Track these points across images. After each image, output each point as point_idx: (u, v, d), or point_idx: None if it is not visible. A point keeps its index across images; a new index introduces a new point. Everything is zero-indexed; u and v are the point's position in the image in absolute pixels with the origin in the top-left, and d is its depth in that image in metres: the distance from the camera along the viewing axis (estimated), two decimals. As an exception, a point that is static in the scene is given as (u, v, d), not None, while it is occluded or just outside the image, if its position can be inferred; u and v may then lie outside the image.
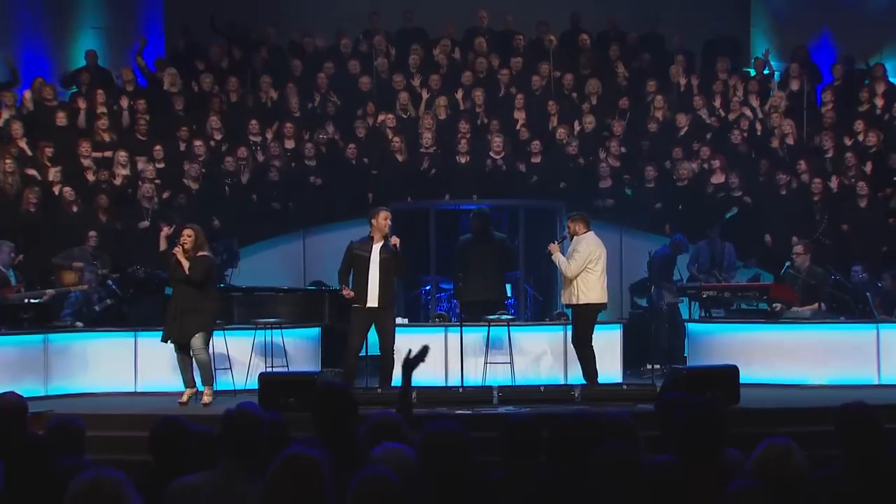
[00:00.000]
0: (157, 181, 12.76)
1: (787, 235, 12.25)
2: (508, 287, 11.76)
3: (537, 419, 4.27)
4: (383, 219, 9.67)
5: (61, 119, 13.32)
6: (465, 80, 14.56)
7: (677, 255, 12.21)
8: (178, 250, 9.56)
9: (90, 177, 12.78)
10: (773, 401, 9.43)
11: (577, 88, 14.57)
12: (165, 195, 12.80)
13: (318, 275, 12.86)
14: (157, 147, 13.26)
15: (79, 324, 11.02)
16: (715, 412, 4.07)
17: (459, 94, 14.20)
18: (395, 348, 9.54)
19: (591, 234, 9.88)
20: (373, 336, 10.13)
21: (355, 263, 9.68)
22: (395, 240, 9.52)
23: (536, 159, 13.54)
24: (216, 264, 10.29)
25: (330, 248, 13.15)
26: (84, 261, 11.51)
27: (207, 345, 9.64)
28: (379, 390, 9.50)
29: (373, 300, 9.57)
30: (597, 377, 9.81)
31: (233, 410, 4.33)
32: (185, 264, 9.48)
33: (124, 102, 13.96)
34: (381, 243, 9.63)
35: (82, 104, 13.81)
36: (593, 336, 9.91)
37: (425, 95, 14.26)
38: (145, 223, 12.01)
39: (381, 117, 14.12)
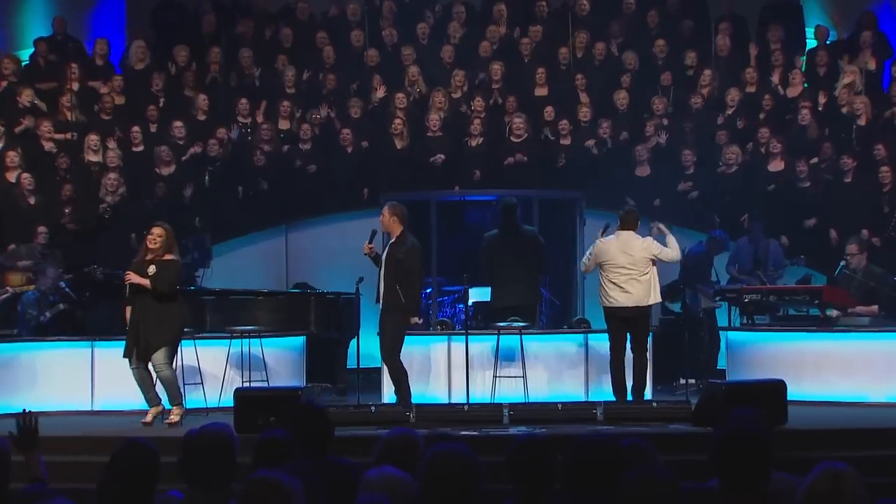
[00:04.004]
0: (117, 169, 12.73)
1: (855, 230, 12.12)
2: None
3: (552, 440, 4.26)
4: (381, 216, 9.90)
5: (27, 98, 13.28)
6: (483, 52, 14.52)
7: (715, 255, 12.18)
8: (130, 276, 9.47)
9: (61, 162, 12.73)
10: (825, 421, 9.40)
11: (611, 61, 14.49)
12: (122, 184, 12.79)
13: (303, 276, 12.86)
14: (136, 128, 13.25)
15: (14, 331, 11.02)
16: (757, 429, 4.03)
17: (458, 78, 14.16)
18: (395, 360, 9.77)
19: None
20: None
21: None
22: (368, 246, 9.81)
23: (566, 141, 13.50)
24: (183, 268, 10.26)
25: (316, 245, 13.18)
26: (32, 259, 11.51)
27: (171, 360, 9.60)
28: (373, 408, 9.51)
29: (381, 301, 9.84)
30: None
31: (195, 433, 4.33)
32: (145, 282, 9.44)
33: (104, 88, 13.89)
34: (393, 240, 9.87)
35: (44, 85, 13.81)
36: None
37: (415, 76, 14.20)
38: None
39: (380, 92, 14.08)
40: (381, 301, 9.85)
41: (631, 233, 10.09)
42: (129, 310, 9.61)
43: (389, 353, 9.79)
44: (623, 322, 10.06)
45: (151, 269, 9.45)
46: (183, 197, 12.81)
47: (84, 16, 15.57)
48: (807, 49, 14.76)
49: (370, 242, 9.85)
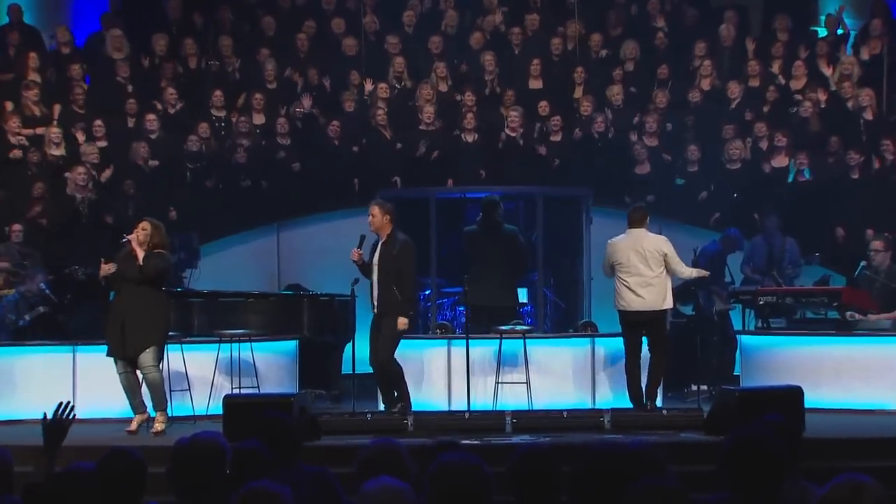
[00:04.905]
0: (91, 163, 12.70)
1: (862, 228, 12.20)
2: (523, 292, 11.77)
3: (556, 449, 4.26)
4: (370, 217, 9.91)
5: None
6: (475, 43, 14.53)
7: (729, 254, 12.19)
8: (133, 237, 9.52)
9: (32, 157, 12.72)
10: (845, 429, 9.41)
11: (608, 52, 14.51)
12: (105, 177, 12.79)
13: (295, 277, 12.86)
14: (98, 122, 13.24)
15: None
16: (766, 436, 4.03)
17: (440, 70, 14.18)
18: (391, 360, 9.82)
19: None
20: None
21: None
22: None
23: (557, 137, 13.53)
24: (172, 265, 10.30)
25: (309, 244, 13.18)
26: (10, 259, 11.51)
27: (160, 362, 9.63)
28: (369, 416, 9.52)
29: (375, 305, 9.87)
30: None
31: (185, 441, 4.33)
32: (140, 254, 9.46)
33: (75, 72, 13.85)
34: (384, 240, 9.86)
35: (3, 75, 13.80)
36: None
37: (401, 69, 14.22)
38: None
39: (367, 86, 14.12)
40: (376, 304, 9.87)
41: (641, 230, 10.11)
42: (107, 266, 9.60)
43: (387, 357, 9.82)
44: (638, 326, 10.12)
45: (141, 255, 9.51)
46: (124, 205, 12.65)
47: (65, 4, 15.56)
48: (818, 39, 14.77)
49: (360, 248, 9.84)
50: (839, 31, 14.84)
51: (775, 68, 14.23)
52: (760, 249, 12.33)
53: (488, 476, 3.93)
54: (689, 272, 10.22)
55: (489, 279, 10.95)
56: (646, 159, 13.29)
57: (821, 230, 12.79)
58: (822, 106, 13.66)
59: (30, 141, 13.06)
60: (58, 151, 12.94)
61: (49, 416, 4.86)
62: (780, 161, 13.07)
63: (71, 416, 4.86)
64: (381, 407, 10.22)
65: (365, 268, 9.90)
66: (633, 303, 10.05)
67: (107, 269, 9.60)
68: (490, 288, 10.96)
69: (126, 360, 9.56)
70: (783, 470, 4.05)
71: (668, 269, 10.04)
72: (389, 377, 9.92)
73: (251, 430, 5.00)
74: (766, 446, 4.03)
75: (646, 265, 10.00)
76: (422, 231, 12.05)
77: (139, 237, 9.52)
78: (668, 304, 10.13)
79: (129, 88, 13.88)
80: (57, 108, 13.61)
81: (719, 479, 4.07)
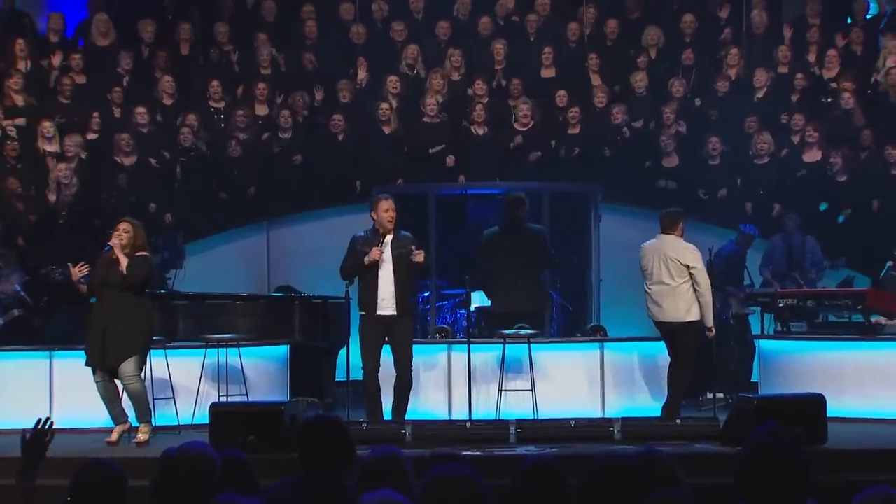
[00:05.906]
0: (75, 159, 12.70)
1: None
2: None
3: (563, 461, 4.25)
4: (383, 211, 9.78)
5: None
6: (483, 30, 14.51)
7: (747, 252, 12.17)
8: (115, 242, 9.49)
9: (11, 150, 12.73)
10: (869, 440, 9.41)
11: (626, 38, 14.49)
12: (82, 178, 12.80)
13: (286, 278, 12.86)
14: (96, 115, 13.22)
15: None
16: (789, 448, 4.03)
17: (454, 58, 14.16)
18: (410, 368, 9.79)
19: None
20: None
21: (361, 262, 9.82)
22: (419, 256, 9.66)
23: (575, 130, 13.48)
24: (156, 268, 10.28)
25: (300, 243, 13.17)
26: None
27: (141, 371, 9.61)
28: (364, 425, 9.49)
29: (386, 307, 9.72)
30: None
31: (173, 452, 4.32)
32: (124, 261, 9.44)
33: (75, 62, 13.83)
34: (391, 236, 9.78)
35: None
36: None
37: (414, 57, 14.20)
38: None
39: (361, 73, 14.10)
40: (394, 305, 9.69)
41: (670, 236, 10.07)
42: (76, 270, 9.56)
43: (409, 364, 9.80)
44: (664, 337, 10.19)
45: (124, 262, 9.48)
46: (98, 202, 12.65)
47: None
48: (851, 25, 14.73)
49: (381, 247, 9.78)
50: (868, 16, 14.72)
51: (811, 57, 14.07)
52: (779, 250, 12.29)
53: (482, 489, 3.93)
54: (707, 295, 10.02)
55: (518, 283, 10.88)
56: (673, 151, 13.21)
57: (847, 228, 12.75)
58: (866, 94, 13.57)
59: (13, 133, 13.04)
60: (52, 147, 12.88)
61: (28, 434, 4.79)
62: (813, 155, 12.98)
63: (50, 433, 4.81)
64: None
65: (363, 266, 9.79)
66: (654, 313, 10.11)
67: (77, 272, 9.56)
68: (521, 293, 10.87)
69: (106, 369, 9.54)
70: (805, 482, 4.03)
71: (694, 277, 9.97)
72: (406, 386, 9.84)
73: (306, 434, 4.81)
74: (787, 456, 4.02)
75: (667, 274, 9.98)
76: (420, 229, 12.02)
77: (122, 241, 9.49)
78: (693, 315, 10.01)
79: (125, 80, 13.85)
80: (44, 99, 13.59)
81: (736, 492, 4.06)
